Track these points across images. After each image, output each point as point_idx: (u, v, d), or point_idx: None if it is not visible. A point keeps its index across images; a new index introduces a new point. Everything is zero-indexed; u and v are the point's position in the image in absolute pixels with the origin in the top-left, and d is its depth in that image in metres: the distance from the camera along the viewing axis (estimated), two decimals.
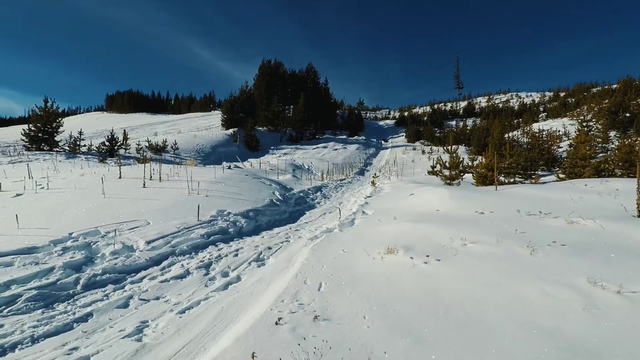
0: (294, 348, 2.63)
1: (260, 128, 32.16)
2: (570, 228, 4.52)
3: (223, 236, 6.19)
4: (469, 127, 29.99)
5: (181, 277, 4.56)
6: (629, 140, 12.12)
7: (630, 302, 2.79)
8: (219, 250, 5.58)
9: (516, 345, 2.49)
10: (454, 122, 40.16)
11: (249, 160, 21.23)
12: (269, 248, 5.70)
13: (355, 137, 35.43)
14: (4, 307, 3.68)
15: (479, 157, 18.64)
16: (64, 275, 4.39)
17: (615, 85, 31.61)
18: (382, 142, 34.26)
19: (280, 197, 9.42)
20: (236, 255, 5.37)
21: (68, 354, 2.88)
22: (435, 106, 48.87)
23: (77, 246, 5.24)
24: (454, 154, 12.46)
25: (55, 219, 6.36)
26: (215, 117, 41.61)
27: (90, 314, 3.60)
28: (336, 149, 27.33)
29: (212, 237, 6.00)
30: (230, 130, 28.80)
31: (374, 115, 57.07)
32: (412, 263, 4.08)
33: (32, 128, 18.50)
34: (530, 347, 2.46)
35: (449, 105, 51.02)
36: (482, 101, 51.96)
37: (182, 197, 7.99)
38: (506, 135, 23.66)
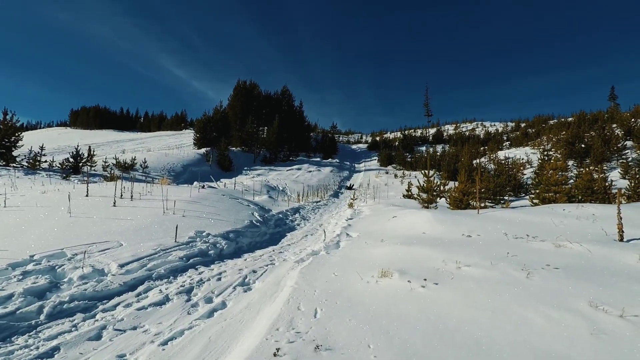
0: None
1: (234, 148, 31.72)
2: (559, 252, 4.60)
3: (203, 259, 5.82)
4: (438, 153, 31.05)
5: (160, 303, 4.18)
6: (588, 168, 12.88)
7: (634, 327, 2.80)
8: (200, 274, 5.21)
9: None
10: (424, 148, 41.54)
11: (222, 180, 20.73)
12: (254, 271, 5.40)
13: (329, 159, 35.70)
14: None
15: (450, 182, 19.20)
16: (25, 303, 3.90)
17: (570, 118, 34.07)
18: (355, 165, 34.73)
19: (259, 219, 9.12)
20: (219, 279, 5.03)
21: None
22: (406, 132, 50.45)
23: (40, 270, 4.72)
24: (430, 179, 12.72)
25: (14, 239, 5.77)
26: (186, 136, 40.71)
27: (57, 348, 3.17)
28: (310, 171, 27.31)
29: (191, 260, 5.62)
30: (203, 150, 28.19)
31: (347, 139, 58.03)
32: (409, 287, 3.96)
33: None
34: None
35: (419, 131, 52.89)
36: (449, 129, 54.27)
37: (157, 217, 7.54)
38: (474, 162, 24.67)
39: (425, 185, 12.40)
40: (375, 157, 38.63)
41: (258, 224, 8.64)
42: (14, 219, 6.92)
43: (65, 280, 4.59)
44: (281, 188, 19.82)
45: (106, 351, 3.16)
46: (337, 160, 35.43)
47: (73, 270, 4.83)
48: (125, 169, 19.92)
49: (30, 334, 3.42)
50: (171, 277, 5.00)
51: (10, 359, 2.95)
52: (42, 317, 3.73)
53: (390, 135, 55.42)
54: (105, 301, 4.19)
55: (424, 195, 12.58)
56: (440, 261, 4.68)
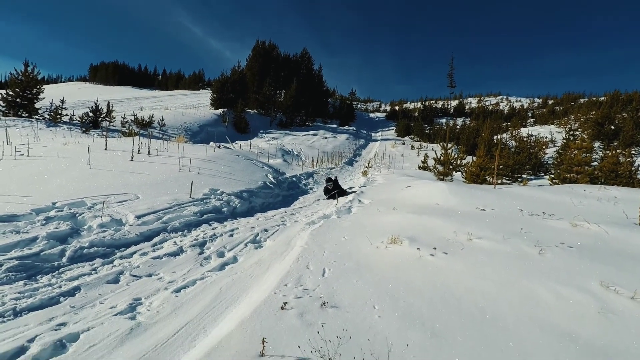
0: (304, 335, 2.49)
1: (250, 110, 31.53)
2: (575, 231, 4.51)
3: (217, 215, 5.95)
4: (458, 126, 30.23)
5: (174, 254, 4.34)
6: (615, 151, 12.37)
7: None
8: (213, 229, 5.35)
9: (537, 346, 2.41)
10: (444, 120, 40.47)
11: (237, 142, 20.79)
12: (266, 230, 5.51)
13: (346, 127, 35.23)
14: None
15: (468, 157, 18.80)
16: (48, 246, 4.10)
17: (602, 98, 32.35)
18: (372, 134, 34.24)
19: (273, 180, 9.19)
20: (231, 235, 5.16)
21: (55, 330, 2.65)
22: (427, 103, 49.05)
23: (62, 217, 4.92)
24: (447, 151, 12.46)
25: (37, 187, 5.97)
26: (203, 96, 40.55)
27: (77, 288, 3.35)
28: (326, 138, 27.09)
29: (205, 216, 5.75)
30: (220, 111, 28.11)
31: (365, 106, 56.87)
32: (418, 255, 3.98)
33: (10, 93, 17.51)
34: (551, 348, 2.38)
35: (440, 103, 51.32)
36: (472, 102, 52.47)
37: (173, 173, 7.66)
38: (495, 137, 23.98)
39: (442, 157, 12.17)
40: (392, 127, 37.93)
41: (272, 185, 8.72)
42: (36, 168, 7.15)
43: (85, 227, 4.78)
44: (296, 153, 19.80)
45: (123, 294, 3.33)
46: (354, 128, 34.95)
47: (92, 218, 5.01)
48: (143, 126, 20.12)
49: (53, 274, 3.61)
50: (185, 231, 5.15)
51: (35, 295, 3.14)
52: (64, 259, 3.92)
53: (409, 105, 54.01)
54: (123, 249, 4.36)
55: (440, 168, 12.39)
56: (452, 232, 4.66)
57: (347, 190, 9.68)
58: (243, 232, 5.36)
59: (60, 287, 3.34)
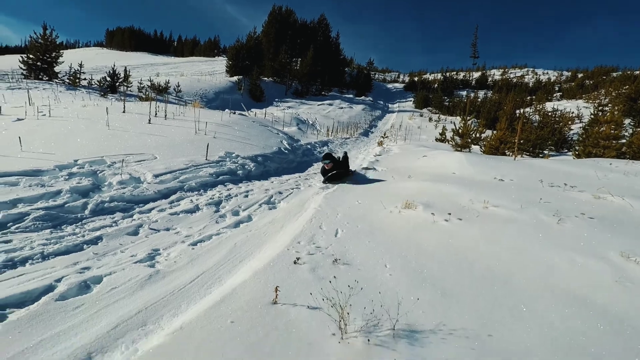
0: (316, 287, 2.55)
1: (266, 78, 31.13)
2: (597, 203, 4.39)
3: (232, 177, 6.03)
4: (480, 99, 29.27)
5: (191, 211, 4.44)
6: None
7: None
8: (228, 190, 5.44)
9: (548, 309, 2.41)
10: (464, 93, 39.19)
11: (252, 110, 20.70)
12: (280, 193, 5.57)
13: (362, 97, 34.55)
14: (11, 224, 3.56)
15: (488, 131, 18.27)
16: (71, 199, 4.25)
17: (637, 72, 30.56)
18: (389, 105, 33.53)
19: (288, 147, 9.19)
20: (246, 196, 5.24)
21: (80, 273, 2.78)
22: (447, 74, 47.32)
23: (83, 173, 5.07)
24: (467, 122, 12.14)
25: (59, 145, 6.13)
26: (219, 63, 40.10)
27: (99, 238, 3.49)
28: (342, 108, 26.70)
29: (220, 177, 5.84)
30: (235, 78, 27.86)
31: (382, 77, 55.39)
32: (432, 219, 3.97)
33: (31, 56, 17.72)
34: (563, 312, 2.38)
35: (462, 74, 49.49)
36: (496, 74, 50.42)
37: (189, 136, 7.74)
38: (518, 111, 23.15)
39: (460, 128, 11.88)
40: (410, 99, 37.00)
41: (286, 151, 8.73)
42: (58, 127, 7.31)
43: (106, 183, 4.92)
44: (311, 122, 19.64)
45: (142, 245, 3.45)
46: (371, 99, 34.26)
47: (112, 175, 5.14)
48: (160, 92, 20.17)
49: (77, 224, 3.76)
50: (201, 190, 5.25)
51: (61, 242, 3.29)
52: (86, 212, 4.06)
53: (429, 77, 52.34)
54: (142, 205, 4.49)
55: (458, 140, 12.13)
56: (467, 199, 4.61)
57: (355, 171, 7.30)
58: (257, 193, 5.43)
59: (83, 236, 3.49)
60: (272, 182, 6.32)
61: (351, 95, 34.72)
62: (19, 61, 18.13)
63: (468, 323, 2.24)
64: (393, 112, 30.40)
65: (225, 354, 1.82)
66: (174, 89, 20.91)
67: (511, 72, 50.62)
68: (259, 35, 32.94)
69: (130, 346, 1.97)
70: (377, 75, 53.95)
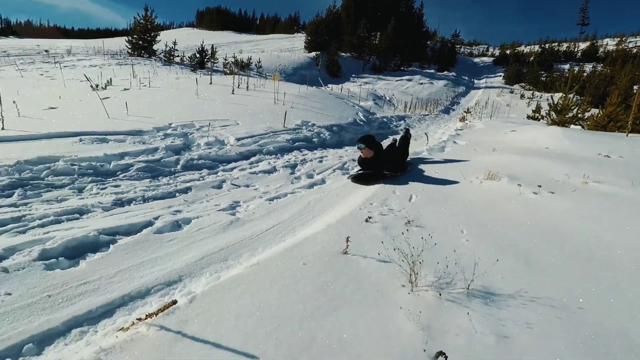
0: (387, 242, 2.50)
1: (343, 54, 30.78)
2: None
3: (307, 144, 6.17)
4: (586, 73, 25.50)
5: (268, 172, 4.66)
6: None
7: None
8: (303, 155, 5.59)
9: None
10: (567, 66, 34.47)
11: (329, 85, 20.72)
12: (354, 160, 5.55)
13: (445, 72, 32.40)
14: (119, 172, 4.10)
15: (594, 110, 15.88)
16: (166, 155, 4.73)
17: None
18: (475, 80, 30.98)
19: (363, 119, 9.07)
20: (320, 161, 5.33)
21: (173, 214, 3.11)
22: (546, 45, 41.86)
23: (176, 134, 5.59)
24: (568, 96, 10.67)
25: (157, 111, 6.82)
26: (298, 40, 40.63)
27: (189, 188, 3.85)
28: (422, 83, 25.39)
29: (296, 143, 6.00)
30: (313, 53, 28.04)
31: (469, 50, 51.11)
32: (518, 191, 3.61)
33: (134, 37, 19.97)
34: None
35: (565, 45, 43.44)
36: (609, 43, 43.22)
37: (268, 105, 8.05)
38: (635, 87, 19.69)
39: (560, 103, 10.50)
40: (500, 74, 33.71)
41: (361, 123, 8.62)
42: (156, 96, 8.14)
43: (195, 144, 5.37)
44: (388, 98, 19.07)
45: (225, 197, 3.73)
46: (454, 74, 31.98)
47: (200, 137, 5.59)
48: (242, 68, 21.20)
49: (171, 176, 4.19)
50: (278, 154, 5.46)
51: (157, 189, 3.69)
52: (178, 167, 4.50)
53: (524, 49, 46.85)
54: (225, 164, 4.83)
55: (555, 116, 10.76)
56: (563, 174, 4.09)
57: (411, 164, 5.06)
58: (332, 159, 5.48)
59: (176, 186, 3.88)
60: (347, 150, 6.32)
61: (432, 71, 32.79)
62: (126, 41, 20.55)
63: (555, 293, 2.02)
64: (479, 88, 28.07)
65: (297, 289, 1.90)
66: (255, 65, 21.78)
67: (630, 41, 42.94)
68: (339, 9, 32.49)
69: (214, 274, 2.17)
70: (462, 49, 49.94)
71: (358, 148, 4.36)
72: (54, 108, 6.58)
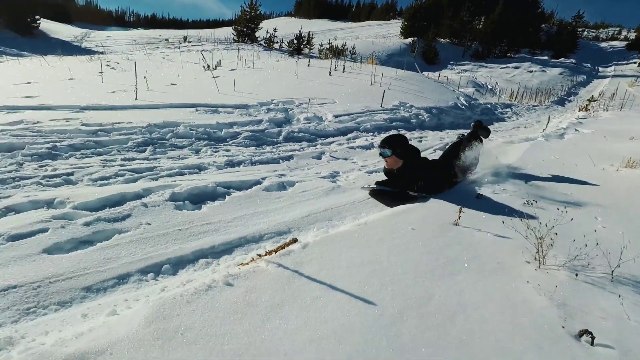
0: (505, 217, 2.26)
1: (441, 40, 28.99)
2: None
3: (405, 124, 5.96)
4: None
5: (366, 148, 4.62)
6: None
7: None
8: None
9: None
10: None
11: (424, 72, 19.77)
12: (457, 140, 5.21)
13: (562, 59, 28.45)
14: (229, 139, 4.45)
15: None
16: (269, 127, 4.99)
17: None
18: (599, 68, 26.64)
19: (465, 103, 8.43)
20: (420, 141, 5.11)
21: (279, 177, 3.26)
22: None
23: (278, 109, 5.87)
24: None
25: (259, 88, 7.23)
26: (393, 26, 39.48)
27: (291, 157, 4.01)
28: (531, 71, 22.69)
29: (394, 123, 5.84)
30: (409, 40, 26.96)
31: (594, 34, 43.99)
32: None
33: (240, 25, 21.68)
34: None
35: None
36: None
37: (365, 86, 7.99)
38: None
39: None
40: (635, 60, 28.44)
41: (463, 107, 8.03)
42: (259, 76, 8.65)
43: (294, 119, 5.57)
44: (490, 87, 17.46)
45: (325, 167, 3.78)
46: (573, 61, 27.90)
47: (299, 113, 5.78)
48: (337, 54, 21.40)
49: (273, 145, 4.42)
50: (375, 132, 5.37)
51: (263, 155, 3.91)
52: (280, 138, 4.71)
53: None
54: (323, 138, 4.92)
55: None
56: None
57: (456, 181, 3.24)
58: (432, 140, 5.21)
59: (279, 154, 4.07)
60: (447, 132, 5.95)
61: (545, 58, 29.11)
62: (232, 30, 22.41)
63: None
64: (604, 77, 24.09)
65: (408, 249, 1.82)
66: (349, 51, 21.78)
67: None
68: None
69: (321, 229, 2.21)
70: (586, 32, 43.23)
71: (380, 155, 3.01)
72: (174, 84, 7.42)
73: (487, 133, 3.79)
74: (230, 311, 1.31)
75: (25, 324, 1.36)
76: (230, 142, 4.37)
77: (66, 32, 29.01)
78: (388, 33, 33.89)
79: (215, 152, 3.95)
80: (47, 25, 27.43)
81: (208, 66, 9.31)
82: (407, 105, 6.83)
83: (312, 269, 1.58)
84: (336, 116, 5.72)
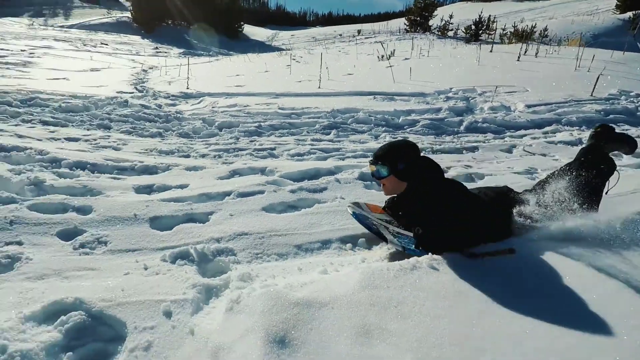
0: None
1: None
2: None
3: (627, 117, 4.67)
4: None
5: (571, 144, 3.81)
6: None
7: None
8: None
9: None
10: None
11: None
12: None
13: None
14: (407, 126, 4.41)
15: None
16: (449, 116, 4.70)
17: None
18: None
19: None
20: None
21: (465, 168, 3.02)
22: None
23: (457, 97, 5.48)
24: None
25: (436, 76, 6.90)
26: (602, 0, 31.79)
27: (475, 148, 3.67)
28: None
29: (611, 116, 4.64)
30: (629, 14, 21.14)
31: None
32: None
33: (413, 15, 21.22)
34: None
35: None
36: None
37: (567, 72, 6.68)
38: None
39: None
40: None
41: None
42: (434, 64, 8.28)
43: (477, 108, 5.09)
44: None
45: (518, 162, 3.30)
46: None
47: (483, 102, 5.24)
48: (523, 38, 18.61)
49: (454, 135, 4.16)
50: (583, 127, 4.37)
51: (444, 143, 3.69)
52: (461, 127, 4.38)
53: None
54: (513, 130, 4.34)
55: None
56: None
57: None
58: None
59: (461, 144, 3.77)
60: None
61: None
62: (404, 20, 22.17)
63: None
64: None
65: None
66: (540, 34, 18.64)
67: None
68: None
69: None
70: None
71: (373, 175, 1.87)
72: (351, 74, 7.80)
73: (630, 147, 1.98)
74: (440, 296, 1.23)
75: (257, 266, 1.62)
76: (408, 130, 4.30)
77: (261, 33, 34.57)
78: (596, 9, 27.48)
79: (394, 138, 3.94)
80: (248, 29, 33.25)
81: (382, 56, 9.45)
82: (632, 94, 5.34)
83: (532, 281, 1.34)
84: (529, 106, 4.95)
